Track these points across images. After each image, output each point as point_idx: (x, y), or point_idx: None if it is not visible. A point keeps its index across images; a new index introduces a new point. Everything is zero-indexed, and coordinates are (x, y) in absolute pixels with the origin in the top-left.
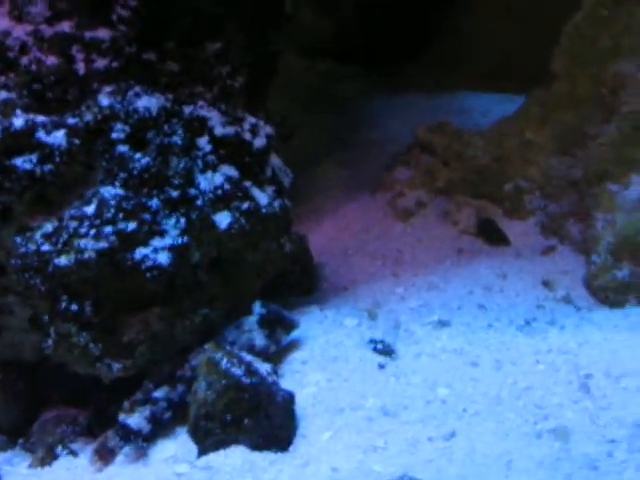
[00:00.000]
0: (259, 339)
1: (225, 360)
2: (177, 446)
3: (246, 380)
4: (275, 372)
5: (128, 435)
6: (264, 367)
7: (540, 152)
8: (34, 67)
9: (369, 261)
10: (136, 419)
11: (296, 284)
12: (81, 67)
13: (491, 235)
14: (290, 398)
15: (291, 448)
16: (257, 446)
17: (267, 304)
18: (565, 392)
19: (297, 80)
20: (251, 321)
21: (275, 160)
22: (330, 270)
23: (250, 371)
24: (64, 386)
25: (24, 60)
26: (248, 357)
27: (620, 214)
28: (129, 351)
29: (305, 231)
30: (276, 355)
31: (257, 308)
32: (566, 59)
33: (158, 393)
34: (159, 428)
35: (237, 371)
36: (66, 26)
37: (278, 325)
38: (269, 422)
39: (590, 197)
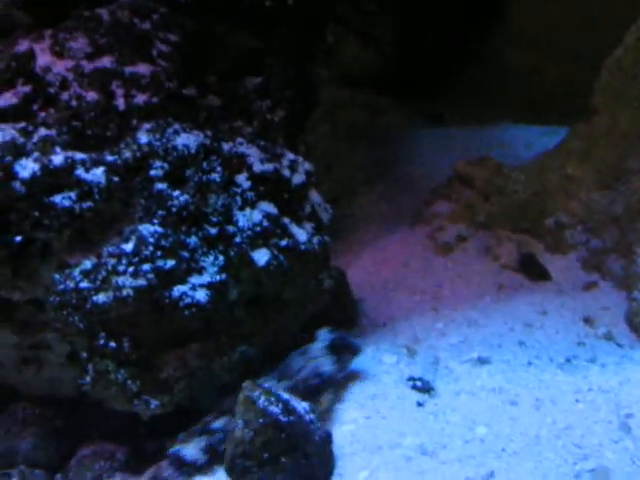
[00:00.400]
0: (327, 365)
1: (263, 398)
2: None
3: (284, 419)
4: (316, 409)
5: (182, 466)
6: (302, 405)
7: (581, 186)
8: (74, 103)
9: (408, 296)
10: (191, 450)
11: (335, 320)
12: (121, 103)
13: (532, 270)
14: (327, 437)
15: None
16: None
17: (334, 330)
18: (605, 432)
19: (338, 111)
20: (317, 347)
21: (314, 196)
22: (369, 305)
23: (288, 409)
24: (102, 422)
25: (64, 96)
26: (285, 395)
27: None
28: (167, 388)
29: (344, 265)
30: (344, 380)
31: (323, 334)
32: (606, 94)
33: (217, 424)
34: (215, 459)
35: (274, 409)
36: (107, 61)
37: (345, 350)
38: (307, 461)
39: (632, 232)
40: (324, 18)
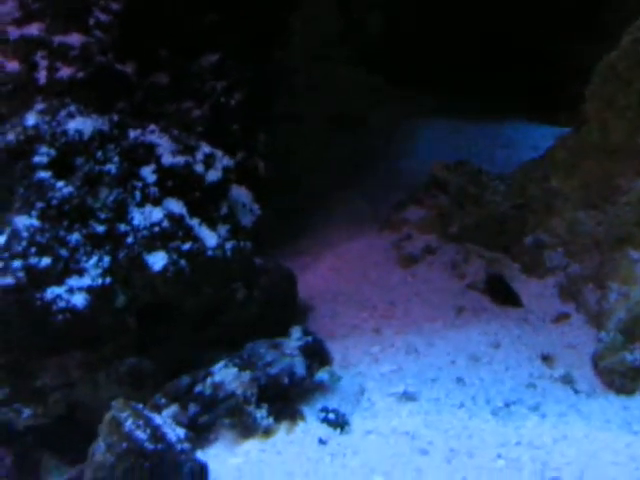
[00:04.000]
0: (300, 367)
1: (130, 421)
2: None
3: (150, 446)
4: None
5: None
6: (175, 432)
7: (566, 203)
8: None
9: (356, 312)
10: None
11: (266, 333)
12: (42, 75)
13: (499, 294)
14: (200, 470)
15: None
16: None
17: (309, 332)
18: None
19: (345, 91)
20: (292, 345)
21: (237, 195)
22: (313, 317)
23: (156, 436)
24: None
25: None
26: (158, 419)
27: (636, 287)
28: (41, 397)
29: (301, 268)
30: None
31: (297, 333)
32: (598, 102)
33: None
34: None
35: (141, 435)
36: (35, 29)
37: (316, 358)
38: None
39: (609, 262)
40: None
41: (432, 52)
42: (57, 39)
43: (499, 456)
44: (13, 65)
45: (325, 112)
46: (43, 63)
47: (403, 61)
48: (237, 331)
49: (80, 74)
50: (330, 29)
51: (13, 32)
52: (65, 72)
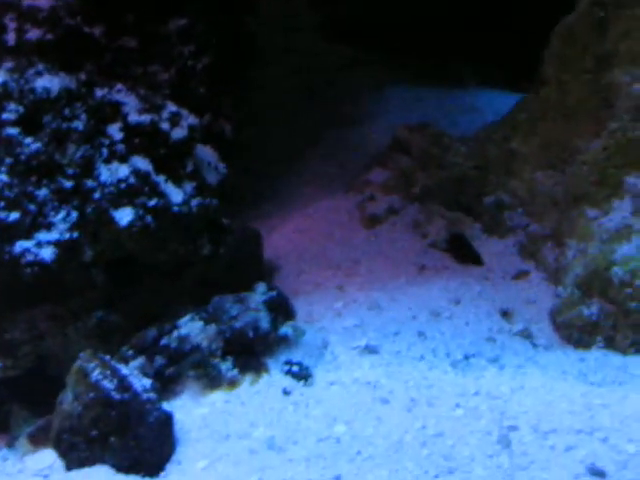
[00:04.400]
0: (264, 321)
1: (97, 372)
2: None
3: (116, 395)
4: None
5: None
6: (141, 382)
7: (525, 164)
8: None
9: (320, 270)
10: None
11: (232, 289)
12: (11, 37)
13: (460, 252)
14: (166, 419)
15: (162, 474)
16: (123, 468)
17: (274, 287)
18: (480, 444)
19: (313, 64)
20: (257, 300)
21: (203, 153)
22: (279, 277)
23: (123, 386)
24: None
25: None
26: (124, 370)
27: (593, 243)
28: (10, 350)
29: (268, 230)
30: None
31: (261, 287)
32: (556, 64)
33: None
34: None
35: (107, 384)
36: None
37: (280, 312)
38: (137, 443)
39: (566, 220)
40: None
41: (402, 20)
42: (26, 2)
43: (458, 405)
44: None
45: (293, 78)
46: (12, 25)
47: (374, 28)
48: (203, 287)
49: (48, 36)
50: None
51: None
52: (34, 34)
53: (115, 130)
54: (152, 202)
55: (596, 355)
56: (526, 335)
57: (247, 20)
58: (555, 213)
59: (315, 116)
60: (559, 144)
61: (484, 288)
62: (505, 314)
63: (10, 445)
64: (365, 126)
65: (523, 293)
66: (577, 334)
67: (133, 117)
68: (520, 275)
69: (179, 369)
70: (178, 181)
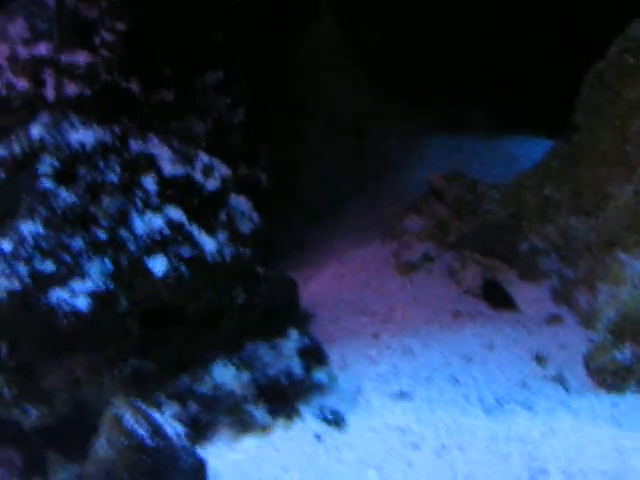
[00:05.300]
0: (297, 368)
1: (130, 417)
2: None
3: (150, 442)
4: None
5: None
6: (175, 429)
7: (559, 210)
8: (3, 91)
9: (356, 317)
10: None
11: (265, 337)
12: (51, 93)
13: (495, 298)
14: (199, 466)
15: None
16: None
17: (307, 333)
18: None
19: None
20: (290, 346)
21: (237, 203)
22: (314, 324)
23: (156, 433)
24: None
25: None
26: (158, 417)
27: (625, 287)
28: (47, 398)
29: (305, 278)
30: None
31: (294, 334)
32: (587, 110)
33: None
34: None
35: (141, 431)
36: (43, 48)
37: (313, 358)
38: None
39: (599, 265)
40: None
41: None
42: (64, 58)
43: (488, 450)
44: (22, 83)
45: (329, 126)
46: (51, 81)
47: (405, 74)
48: (238, 335)
49: (87, 91)
50: (329, 45)
51: (22, 52)
52: (72, 89)
53: (149, 182)
54: (186, 252)
55: (629, 399)
56: (559, 380)
57: (287, 70)
58: (588, 258)
59: (356, 165)
60: (591, 189)
61: (518, 333)
62: (538, 359)
63: None
64: (404, 175)
65: (557, 338)
66: (610, 379)
67: (167, 169)
68: (554, 320)
69: (213, 415)
70: (211, 231)
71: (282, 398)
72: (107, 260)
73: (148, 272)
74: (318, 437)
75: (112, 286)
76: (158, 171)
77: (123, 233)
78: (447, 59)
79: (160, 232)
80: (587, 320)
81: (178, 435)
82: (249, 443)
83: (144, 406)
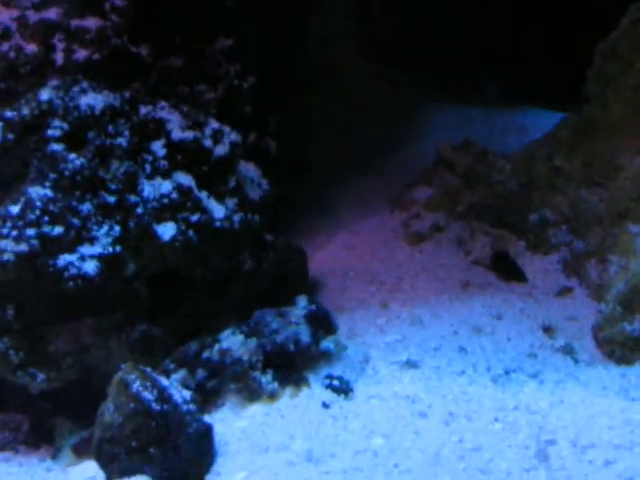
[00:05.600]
0: (305, 335)
1: (138, 383)
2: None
3: (156, 406)
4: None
5: None
6: (182, 394)
7: (569, 181)
8: (12, 54)
9: (364, 287)
10: None
11: (276, 305)
12: (59, 57)
13: (504, 269)
14: (205, 431)
15: None
16: (162, 478)
17: (315, 301)
18: (518, 458)
19: (362, 86)
20: (298, 314)
21: (246, 170)
22: (323, 293)
23: (163, 398)
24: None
25: (4, 46)
26: (164, 382)
27: (635, 259)
28: (54, 362)
29: (314, 248)
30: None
31: (302, 302)
32: (599, 82)
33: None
34: None
35: (148, 395)
36: (53, 13)
37: (321, 326)
38: (176, 454)
39: (610, 237)
40: None
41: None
42: (74, 23)
43: (496, 419)
44: (32, 47)
45: (340, 99)
46: (60, 45)
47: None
48: (246, 302)
49: (96, 56)
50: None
51: (32, 16)
52: (81, 54)
53: (158, 147)
54: (194, 217)
55: (638, 371)
56: (568, 351)
57: (296, 39)
58: (599, 230)
59: (364, 136)
60: (602, 161)
61: (527, 304)
62: (547, 330)
63: (54, 456)
64: (413, 146)
65: (566, 310)
66: (619, 350)
67: (176, 134)
68: (563, 292)
69: (220, 382)
70: (220, 197)
71: (289, 365)
72: (115, 224)
73: (156, 236)
74: (325, 405)
75: (120, 250)
76: (167, 136)
77: (131, 197)
78: (460, 33)
79: (169, 197)
80: (597, 292)
81: (184, 400)
82: (256, 410)
83: (151, 371)
